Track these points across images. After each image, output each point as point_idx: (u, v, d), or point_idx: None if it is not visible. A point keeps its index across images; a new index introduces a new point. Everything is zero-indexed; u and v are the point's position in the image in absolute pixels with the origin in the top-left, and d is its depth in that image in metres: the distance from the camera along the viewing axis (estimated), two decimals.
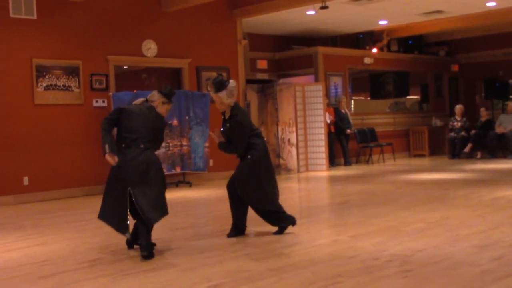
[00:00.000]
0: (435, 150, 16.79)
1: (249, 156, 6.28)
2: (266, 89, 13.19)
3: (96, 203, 9.51)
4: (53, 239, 6.54)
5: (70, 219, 8.07)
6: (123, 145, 5.68)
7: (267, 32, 14.96)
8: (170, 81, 12.35)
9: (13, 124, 9.91)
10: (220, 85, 6.23)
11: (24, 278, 4.88)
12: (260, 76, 15.04)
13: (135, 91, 11.00)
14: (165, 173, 11.05)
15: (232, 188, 6.35)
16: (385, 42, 16.09)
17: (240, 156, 6.38)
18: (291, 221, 6.34)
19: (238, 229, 6.29)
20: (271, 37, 15.42)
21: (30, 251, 5.92)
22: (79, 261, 5.36)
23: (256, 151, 6.28)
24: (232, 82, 6.34)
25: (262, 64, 15.05)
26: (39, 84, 10.13)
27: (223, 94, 6.23)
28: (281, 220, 6.34)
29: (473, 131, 15.32)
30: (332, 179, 12.11)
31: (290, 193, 10.51)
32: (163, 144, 11.06)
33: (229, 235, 6.25)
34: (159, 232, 6.91)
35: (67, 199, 10.16)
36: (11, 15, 9.90)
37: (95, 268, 5.10)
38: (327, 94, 14.25)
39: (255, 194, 6.22)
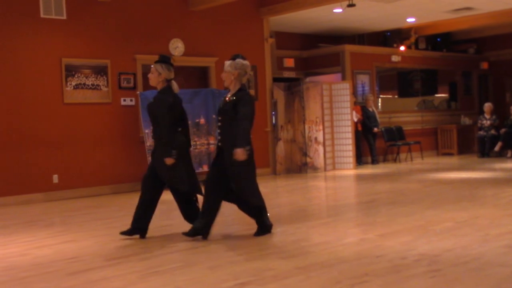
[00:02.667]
0: (464, 148, 16.61)
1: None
2: (293, 87, 13.17)
3: (124, 201, 9.64)
4: (82, 236, 6.61)
5: (98, 217, 8.15)
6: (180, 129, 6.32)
7: (294, 30, 14.93)
8: (197, 80, 12.41)
9: (43, 123, 10.05)
10: (233, 57, 6.13)
11: (54, 274, 4.94)
12: (287, 74, 15.02)
13: None
14: None
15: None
16: (413, 39, 15.95)
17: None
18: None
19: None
20: (298, 35, 15.39)
21: (59, 248, 6.00)
22: (107, 258, 5.42)
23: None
24: (243, 60, 6.09)
25: (289, 62, 15.03)
26: (68, 83, 10.25)
27: (227, 62, 6.10)
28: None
29: (503, 130, 15.10)
30: (359, 178, 12.05)
31: (317, 192, 10.48)
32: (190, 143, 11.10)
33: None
34: (186, 230, 6.95)
35: (95, 197, 10.28)
36: (42, 16, 10.04)
37: (123, 265, 5.15)
38: (354, 93, 14.18)
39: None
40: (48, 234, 6.87)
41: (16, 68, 9.80)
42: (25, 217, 8.37)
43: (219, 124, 6.16)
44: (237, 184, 6.05)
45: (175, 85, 6.41)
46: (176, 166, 6.21)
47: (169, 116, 6.15)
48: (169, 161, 6.12)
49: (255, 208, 6.20)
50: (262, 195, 6.26)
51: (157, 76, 6.33)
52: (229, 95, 6.14)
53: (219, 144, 6.14)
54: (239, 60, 6.02)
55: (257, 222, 6.28)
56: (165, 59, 6.37)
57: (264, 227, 6.26)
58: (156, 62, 6.36)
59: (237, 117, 5.90)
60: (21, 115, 9.85)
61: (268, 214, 6.34)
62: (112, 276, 4.77)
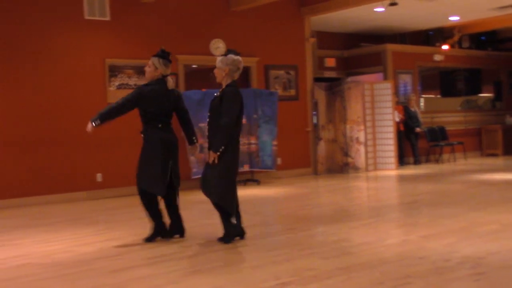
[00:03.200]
0: (509, 149, 16.26)
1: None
2: (334, 87, 13.09)
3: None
4: (124, 234, 6.70)
5: (140, 215, 8.20)
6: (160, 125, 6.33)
7: (335, 29, 14.85)
8: (238, 80, 12.40)
9: (87, 123, 10.19)
10: (226, 52, 6.04)
11: (97, 271, 5.01)
12: (328, 74, 14.95)
13: (203, 89, 11.14)
14: None
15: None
16: (456, 38, 15.70)
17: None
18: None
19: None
20: (339, 34, 15.30)
21: (102, 246, 6.08)
22: (149, 256, 5.47)
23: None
24: (235, 55, 5.97)
25: (330, 62, 14.96)
26: (111, 83, 10.40)
27: (219, 58, 6.00)
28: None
29: None
30: (401, 178, 11.91)
31: (358, 192, 10.41)
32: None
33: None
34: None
35: (137, 196, 10.37)
36: (86, 17, 10.20)
37: (164, 263, 5.19)
38: (396, 92, 14.03)
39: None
40: (91, 232, 6.98)
41: (61, 69, 9.99)
42: (69, 215, 8.52)
43: (208, 120, 6.07)
44: (211, 181, 5.92)
45: (170, 82, 6.34)
46: (148, 164, 6.22)
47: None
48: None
49: (221, 211, 5.97)
50: (237, 201, 6.09)
51: (153, 71, 6.27)
52: (218, 92, 6.04)
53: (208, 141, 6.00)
54: (230, 56, 5.92)
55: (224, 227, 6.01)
56: (163, 55, 6.30)
57: (227, 233, 5.96)
58: (154, 56, 6.30)
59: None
60: (66, 115, 10.03)
61: (234, 221, 6.02)
62: (153, 274, 4.82)
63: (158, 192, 6.24)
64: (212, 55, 11.62)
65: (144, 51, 10.75)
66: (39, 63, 9.80)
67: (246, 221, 7.30)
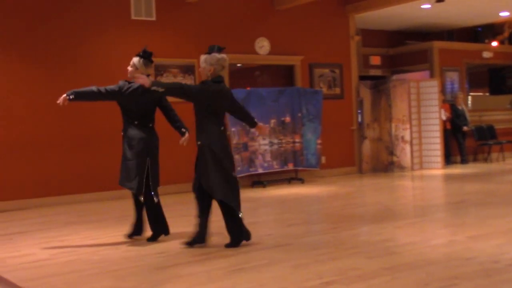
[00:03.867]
0: None
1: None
2: (379, 85, 12.97)
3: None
4: (170, 231, 6.76)
5: (184, 213, 8.31)
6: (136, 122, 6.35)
7: (380, 27, 14.70)
8: (282, 78, 12.45)
9: None
10: (209, 49, 5.96)
11: (143, 268, 5.08)
12: (373, 72, 14.82)
13: (248, 88, 11.18)
14: (278, 170, 11.24)
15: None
16: (506, 34, 15.35)
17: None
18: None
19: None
20: (385, 32, 15.14)
21: (148, 243, 6.16)
22: (193, 254, 5.51)
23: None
24: (218, 54, 5.87)
25: (376, 60, 14.82)
26: None
27: (202, 57, 5.92)
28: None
29: None
30: (447, 178, 11.72)
31: (404, 191, 10.29)
32: (275, 141, 11.18)
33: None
34: (271, 228, 7.01)
35: (181, 194, 10.49)
36: (132, 17, 10.36)
37: (208, 261, 5.23)
38: (442, 90, 13.81)
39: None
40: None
41: (109, 68, 10.15)
42: (117, 212, 8.66)
43: (195, 119, 5.99)
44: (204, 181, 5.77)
45: None
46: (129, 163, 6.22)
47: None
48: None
49: (225, 210, 5.80)
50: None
51: (134, 70, 6.35)
52: None
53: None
54: (214, 55, 5.78)
55: (231, 232, 5.82)
56: (144, 55, 6.34)
57: (237, 237, 5.77)
58: (136, 55, 6.36)
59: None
60: (114, 114, 10.17)
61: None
62: (198, 272, 4.86)
63: (131, 189, 6.32)
64: (256, 53, 11.66)
65: (190, 50, 10.87)
66: (87, 63, 9.99)
67: (291, 220, 7.31)
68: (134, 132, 6.34)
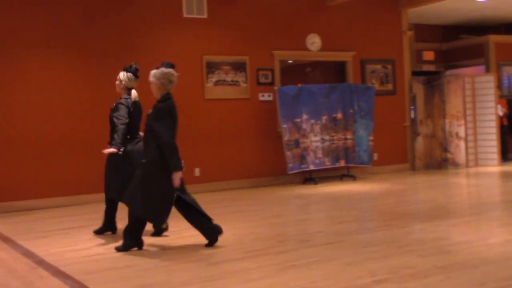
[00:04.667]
0: None
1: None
2: (432, 81, 12.75)
3: (261, 194, 9.82)
4: (222, 228, 6.81)
5: (237, 209, 8.38)
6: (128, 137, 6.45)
7: (433, 22, 14.44)
8: (334, 75, 12.38)
9: (185, 118, 10.44)
10: (161, 65, 6.07)
11: (195, 264, 5.14)
12: (427, 67, 14.58)
13: (299, 84, 11.16)
14: (329, 166, 11.20)
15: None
16: None
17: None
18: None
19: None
20: (438, 27, 14.87)
21: (200, 239, 6.21)
22: (246, 250, 5.55)
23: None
24: (166, 68, 5.96)
25: (429, 55, 14.58)
26: (209, 80, 10.61)
27: (152, 72, 5.95)
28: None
29: None
30: (504, 175, 11.45)
31: (458, 189, 10.10)
32: (327, 137, 11.13)
33: None
34: (323, 225, 6.99)
35: (234, 190, 10.56)
36: (184, 15, 10.47)
37: (261, 258, 5.25)
38: (499, 85, 13.48)
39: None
40: (189, 225, 7.14)
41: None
42: None
43: (144, 133, 6.06)
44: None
45: (134, 94, 6.66)
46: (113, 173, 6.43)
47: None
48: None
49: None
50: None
51: (119, 84, 6.69)
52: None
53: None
54: (162, 69, 5.85)
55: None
56: (127, 69, 6.68)
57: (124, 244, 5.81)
58: (123, 69, 6.73)
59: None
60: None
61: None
62: (250, 268, 4.88)
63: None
64: (308, 50, 11.62)
65: (241, 48, 10.92)
66: (140, 61, 10.12)
67: (342, 217, 7.27)
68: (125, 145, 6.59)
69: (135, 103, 6.65)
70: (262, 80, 11.12)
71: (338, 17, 11.92)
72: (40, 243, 6.36)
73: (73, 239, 6.54)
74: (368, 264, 4.85)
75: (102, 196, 8.60)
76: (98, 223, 6.93)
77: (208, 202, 9.19)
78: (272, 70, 11.22)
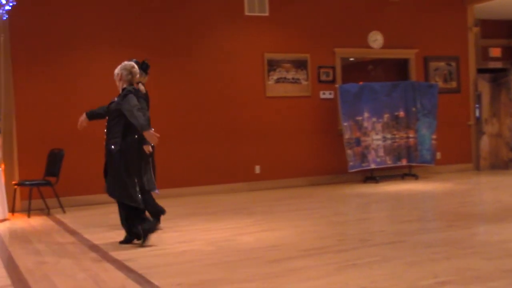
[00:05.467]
0: None
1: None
2: (499, 78, 12.40)
3: (321, 193, 9.79)
4: (281, 226, 6.83)
5: (297, 207, 8.37)
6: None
7: (501, 17, 14.02)
8: (396, 72, 12.21)
9: (247, 116, 10.54)
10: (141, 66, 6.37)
11: (255, 261, 5.16)
12: (493, 65, 14.16)
13: (361, 82, 11.06)
14: (391, 165, 11.05)
15: None
16: None
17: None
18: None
19: None
20: (505, 22, 14.42)
21: (260, 236, 6.25)
22: (305, 248, 5.54)
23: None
24: (128, 61, 6.18)
25: (496, 52, 14.16)
26: (270, 77, 10.64)
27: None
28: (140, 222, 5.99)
29: None
30: None
31: None
32: (389, 136, 10.99)
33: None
34: (384, 224, 6.91)
35: (294, 188, 10.56)
36: (246, 13, 10.53)
37: (320, 256, 5.23)
38: None
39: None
40: (250, 222, 7.20)
41: (223, 64, 10.38)
42: (230, 204, 8.86)
43: (106, 124, 6.12)
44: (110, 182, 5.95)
45: (141, 87, 6.71)
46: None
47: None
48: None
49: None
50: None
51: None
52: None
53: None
54: (124, 63, 6.13)
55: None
56: (142, 66, 6.79)
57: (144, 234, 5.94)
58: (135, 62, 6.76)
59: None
60: (227, 109, 10.42)
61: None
62: (309, 266, 4.87)
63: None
64: (370, 47, 11.50)
65: (302, 45, 10.90)
66: (202, 59, 10.26)
67: (404, 216, 7.17)
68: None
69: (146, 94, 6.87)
70: (323, 78, 11.07)
71: (401, 14, 11.74)
72: (105, 236, 6.52)
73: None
74: (430, 265, 4.76)
75: (166, 191, 8.78)
76: (163, 218, 7.04)
77: (269, 200, 9.24)
78: (334, 68, 11.15)
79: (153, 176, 6.75)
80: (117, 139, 5.93)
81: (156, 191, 6.82)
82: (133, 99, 5.85)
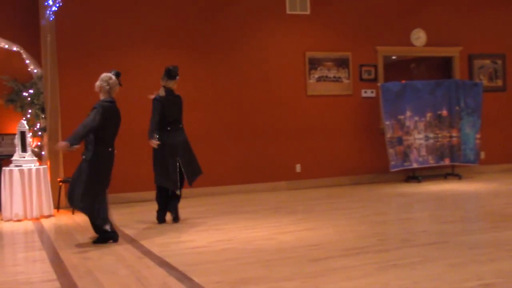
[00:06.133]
0: None
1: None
2: None
3: (362, 192, 9.71)
4: (322, 224, 6.81)
5: (338, 207, 8.33)
6: (168, 128, 7.20)
7: None
8: (440, 70, 12.03)
9: (287, 114, 10.53)
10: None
11: (296, 259, 5.16)
12: None
13: (403, 81, 10.93)
14: (433, 165, 10.89)
15: None
16: None
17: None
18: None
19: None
20: None
21: (301, 235, 6.24)
22: (346, 248, 5.51)
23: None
24: (107, 73, 6.35)
25: None
26: (311, 76, 10.61)
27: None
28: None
29: None
30: None
31: None
32: (431, 135, 10.85)
33: None
34: (426, 224, 6.82)
35: (335, 187, 10.51)
36: (287, 12, 10.52)
37: (361, 255, 5.19)
38: None
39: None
40: (291, 220, 7.19)
41: (264, 62, 10.40)
42: (271, 203, 8.87)
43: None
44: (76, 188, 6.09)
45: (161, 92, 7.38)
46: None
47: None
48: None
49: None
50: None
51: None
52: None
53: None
54: (105, 74, 6.32)
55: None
56: (168, 73, 7.32)
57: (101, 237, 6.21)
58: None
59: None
60: (268, 107, 10.43)
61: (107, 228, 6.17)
62: (350, 266, 4.84)
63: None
64: (412, 45, 11.37)
65: (344, 43, 10.84)
66: (243, 57, 10.29)
67: (447, 217, 7.06)
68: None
69: (175, 96, 7.36)
70: (365, 76, 10.99)
71: (444, 11, 11.56)
72: (147, 234, 6.61)
73: (178, 231, 6.74)
74: (474, 266, 4.68)
75: (206, 189, 8.84)
76: (203, 216, 7.11)
77: (309, 199, 9.22)
78: (376, 66, 11.06)
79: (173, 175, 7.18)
80: (89, 149, 6.12)
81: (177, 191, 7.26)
82: (92, 115, 6.02)
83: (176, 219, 7.31)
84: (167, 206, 7.34)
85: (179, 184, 7.23)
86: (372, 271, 4.66)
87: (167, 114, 7.22)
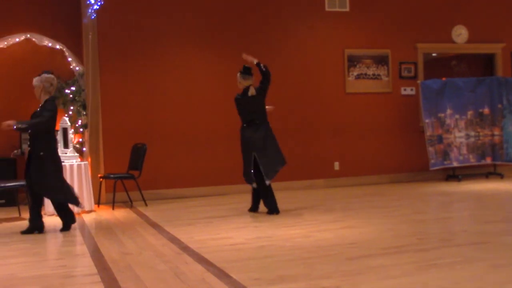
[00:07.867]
0: None
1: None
2: None
3: (401, 190, 9.62)
4: (361, 223, 6.77)
5: (376, 205, 8.27)
6: (245, 125, 7.63)
7: None
8: (481, 68, 11.83)
9: (326, 112, 10.50)
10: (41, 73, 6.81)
11: (334, 257, 5.14)
12: None
13: (443, 78, 10.79)
14: (474, 163, 10.74)
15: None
16: None
17: None
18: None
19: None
20: None
21: (339, 233, 6.22)
22: (384, 246, 5.47)
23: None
24: (47, 74, 6.81)
25: None
26: (350, 73, 10.55)
27: (35, 78, 6.79)
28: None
29: None
30: None
31: None
32: (472, 133, 10.69)
33: None
34: (466, 224, 6.73)
35: (374, 185, 10.44)
36: (326, 9, 10.48)
37: (400, 254, 5.15)
38: None
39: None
40: (329, 218, 7.17)
41: (303, 60, 10.38)
42: (309, 201, 8.85)
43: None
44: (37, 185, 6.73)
45: (251, 90, 7.65)
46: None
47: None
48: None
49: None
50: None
51: (239, 84, 7.77)
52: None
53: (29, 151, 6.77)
54: (43, 75, 6.76)
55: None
56: (244, 70, 7.68)
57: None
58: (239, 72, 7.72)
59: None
60: (307, 104, 10.41)
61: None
62: (389, 265, 4.81)
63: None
64: (453, 42, 11.21)
65: (383, 41, 10.75)
66: (281, 55, 10.29)
67: (488, 216, 6.95)
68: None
69: (252, 96, 7.63)
70: (405, 73, 10.88)
71: (487, 6, 11.37)
72: (185, 230, 6.67)
73: (216, 228, 6.78)
74: None
75: (244, 187, 8.87)
76: (239, 213, 7.13)
77: (348, 197, 9.18)
78: (415, 64, 10.94)
79: None
80: (43, 145, 6.67)
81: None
82: (46, 116, 6.59)
83: (270, 211, 7.59)
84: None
85: (253, 178, 7.55)
86: (411, 270, 4.62)
87: (241, 112, 7.71)
